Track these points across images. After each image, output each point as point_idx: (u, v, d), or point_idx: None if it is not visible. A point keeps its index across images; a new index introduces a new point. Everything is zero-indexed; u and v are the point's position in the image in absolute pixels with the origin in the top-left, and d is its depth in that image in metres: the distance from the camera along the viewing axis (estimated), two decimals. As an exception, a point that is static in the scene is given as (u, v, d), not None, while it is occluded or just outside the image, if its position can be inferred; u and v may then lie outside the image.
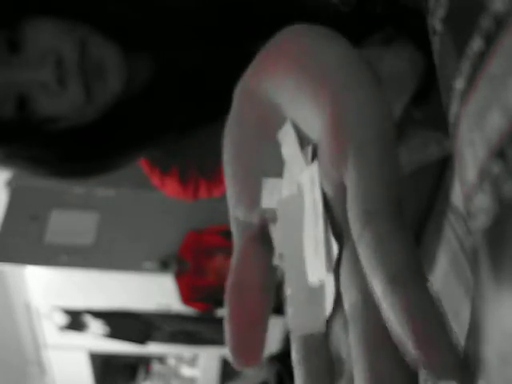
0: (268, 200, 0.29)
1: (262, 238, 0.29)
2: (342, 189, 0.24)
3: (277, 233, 0.29)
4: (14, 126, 0.54)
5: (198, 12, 0.63)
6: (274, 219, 0.29)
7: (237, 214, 0.29)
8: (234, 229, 0.30)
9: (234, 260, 0.30)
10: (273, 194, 0.29)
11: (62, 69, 0.53)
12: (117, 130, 0.62)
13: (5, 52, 0.52)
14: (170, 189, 0.72)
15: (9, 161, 0.60)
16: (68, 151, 0.61)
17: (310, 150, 0.28)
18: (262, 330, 0.29)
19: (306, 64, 0.26)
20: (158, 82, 0.63)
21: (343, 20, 0.75)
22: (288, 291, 0.30)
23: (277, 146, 0.30)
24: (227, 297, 0.30)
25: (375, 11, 0.76)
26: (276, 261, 0.30)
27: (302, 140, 0.28)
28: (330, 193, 0.26)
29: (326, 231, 0.26)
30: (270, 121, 0.29)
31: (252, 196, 0.29)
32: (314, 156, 0.27)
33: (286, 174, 0.29)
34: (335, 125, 0.24)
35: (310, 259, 0.27)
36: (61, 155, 0.61)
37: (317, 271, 0.27)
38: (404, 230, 0.22)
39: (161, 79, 0.64)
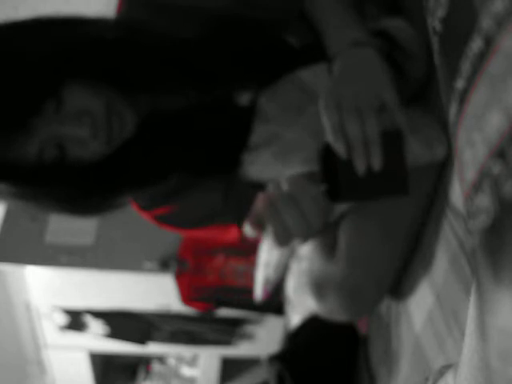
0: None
1: None
2: None
3: None
4: (51, 169, 0.68)
5: (192, 58, 0.76)
6: None
7: None
8: None
9: None
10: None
11: (96, 126, 0.67)
12: (119, 170, 0.74)
13: (53, 112, 0.66)
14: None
15: (35, 200, 0.71)
16: (83, 190, 0.73)
17: None
18: None
19: None
20: (149, 125, 0.76)
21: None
22: None
23: None
24: None
25: None
26: None
27: None
28: None
29: None
30: None
31: None
32: None
33: None
34: None
35: None
36: (78, 192, 0.73)
37: None
38: None
39: (151, 122, 0.76)
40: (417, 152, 0.79)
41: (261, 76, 0.81)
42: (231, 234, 0.91)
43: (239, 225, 0.88)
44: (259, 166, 0.81)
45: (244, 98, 0.81)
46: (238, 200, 0.86)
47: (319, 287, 0.85)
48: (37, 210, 0.76)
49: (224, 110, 0.81)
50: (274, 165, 0.80)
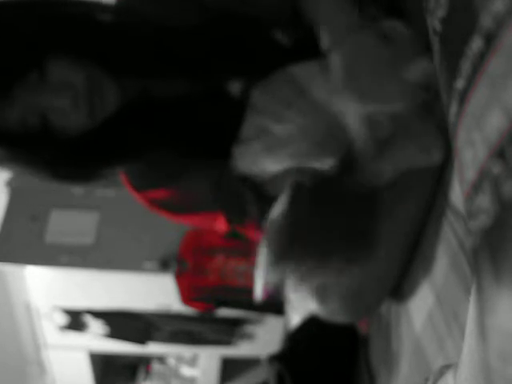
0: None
1: None
2: None
3: None
4: (35, 135, 0.72)
5: (183, 45, 0.79)
6: None
7: None
8: None
9: None
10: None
11: (77, 98, 0.71)
12: (103, 142, 0.77)
13: (34, 83, 0.70)
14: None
15: (18, 163, 0.76)
16: (66, 157, 0.76)
17: None
18: None
19: None
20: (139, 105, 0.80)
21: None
22: None
23: None
24: None
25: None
26: None
27: None
28: None
29: None
30: None
31: None
32: None
33: None
34: None
35: None
36: (61, 160, 0.76)
37: None
38: None
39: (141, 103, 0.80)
40: (413, 157, 0.80)
41: (251, 69, 0.83)
42: (219, 224, 0.92)
43: (226, 216, 0.89)
44: (248, 158, 0.82)
45: (235, 88, 0.83)
46: (228, 191, 0.87)
47: (320, 289, 0.85)
48: (20, 173, 0.81)
49: (216, 102, 0.83)
50: (263, 158, 0.82)
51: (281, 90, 0.81)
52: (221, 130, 0.82)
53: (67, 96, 0.71)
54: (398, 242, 0.85)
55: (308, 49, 0.82)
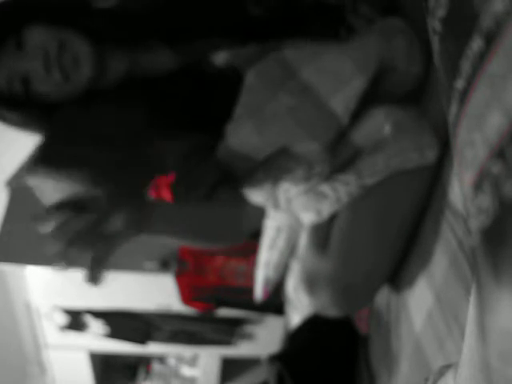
0: None
1: None
2: None
3: None
4: (19, 98, 0.82)
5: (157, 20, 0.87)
6: None
7: None
8: None
9: None
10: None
11: (48, 61, 0.79)
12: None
13: (13, 49, 0.79)
14: None
15: (8, 122, 0.85)
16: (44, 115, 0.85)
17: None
18: None
19: None
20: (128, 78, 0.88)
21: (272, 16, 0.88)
22: None
23: None
24: None
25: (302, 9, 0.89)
26: None
27: None
28: None
29: None
30: None
31: None
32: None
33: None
34: None
35: None
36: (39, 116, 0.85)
37: None
38: None
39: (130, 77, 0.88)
40: (406, 156, 0.80)
41: (229, 39, 0.89)
42: (165, 193, 0.95)
43: (176, 185, 0.90)
44: (239, 136, 0.84)
45: (218, 60, 0.87)
46: (193, 164, 0.88)
47: (311, 282, 0.85)
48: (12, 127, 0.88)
49: (206, 78, 0.88)
50: (253, 137, 0.83)
51: (273, 72, 0.84)
52: (201, 103, 0.87)
53: (38, 58, 0.79)
54: (389, 238, 0.86)
55: (284, 19, 0.87)
